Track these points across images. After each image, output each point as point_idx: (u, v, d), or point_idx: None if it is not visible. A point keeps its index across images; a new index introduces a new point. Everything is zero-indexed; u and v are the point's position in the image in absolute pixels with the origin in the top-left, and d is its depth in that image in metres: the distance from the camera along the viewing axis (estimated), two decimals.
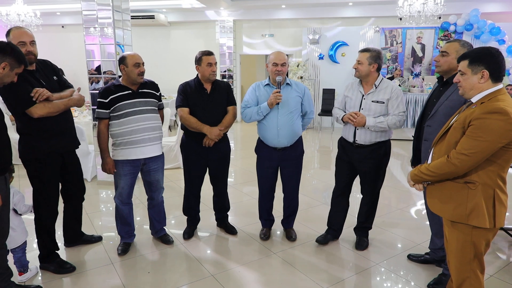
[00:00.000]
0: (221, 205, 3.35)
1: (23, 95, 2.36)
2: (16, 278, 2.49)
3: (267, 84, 2.96)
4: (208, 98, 2.97)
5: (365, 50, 2.72)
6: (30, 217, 2.67)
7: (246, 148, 7.67)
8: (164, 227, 3.21)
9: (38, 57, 2.54)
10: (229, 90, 3.12)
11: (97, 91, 2.75)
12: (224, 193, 3.31)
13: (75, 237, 3.06)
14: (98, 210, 4.00)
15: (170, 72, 10.43)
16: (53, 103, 2.46)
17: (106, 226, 3.54)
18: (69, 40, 10.82)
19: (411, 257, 2.88)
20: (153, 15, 9.57)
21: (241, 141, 8.38)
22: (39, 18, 7.82)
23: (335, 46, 9.35)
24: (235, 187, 4.76)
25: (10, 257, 2.40)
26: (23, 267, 2.56)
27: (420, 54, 8.83)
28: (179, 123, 3.24)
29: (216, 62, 2.94)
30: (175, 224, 3.56)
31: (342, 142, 2.97)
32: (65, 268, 2.70)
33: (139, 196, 4.17)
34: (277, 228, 3.38)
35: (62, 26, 11.01)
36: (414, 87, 7.90)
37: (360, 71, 2.72)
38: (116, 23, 4.26)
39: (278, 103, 2.82)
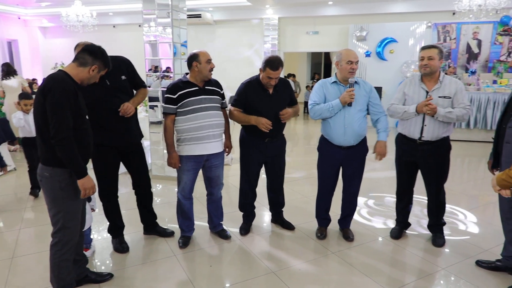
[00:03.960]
0: (277, 200, 3.36)
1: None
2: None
3: (334, 82, 2.90)
4: (271, 98, 2.97)
5: (432, 47, 2.79)
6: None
7: (298, 147, 7.64)
8: (221, 222, 3.27)
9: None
10: (291, 91, 3.11)
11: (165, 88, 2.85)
12: (280, 188, 3.32)
13: (149, 226, 3.22)
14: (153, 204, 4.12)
15: (215, 70, 10.60)
16: None
17: (160, 217, 3.63)
18: (119, 39, 11.31)
19: (480, 264, 2.73)
20: (200, 14, 9.77)
21: (293, 140, 8.33)
22: (95, 19, 8.23)
23: (383, 43, 9.09)
24: (286, 185, 4.74)
25: None
26: (89, 243, 2.87)
27: (476, 50, 8.37)
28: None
29: (277, 77, 2.87)
30: (227, 220, 3.59)
31: (402, 140, 2.94)
32: (122, 245, 2.95)
33: (194, 192, 4.25)
34: (332, 228, 3.34)
35: (113, 26, 11.54)
36: (469, 85, 7.48)
37: (432, 67, 2.75)
38: (173, 22, 4.38)
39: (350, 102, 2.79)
